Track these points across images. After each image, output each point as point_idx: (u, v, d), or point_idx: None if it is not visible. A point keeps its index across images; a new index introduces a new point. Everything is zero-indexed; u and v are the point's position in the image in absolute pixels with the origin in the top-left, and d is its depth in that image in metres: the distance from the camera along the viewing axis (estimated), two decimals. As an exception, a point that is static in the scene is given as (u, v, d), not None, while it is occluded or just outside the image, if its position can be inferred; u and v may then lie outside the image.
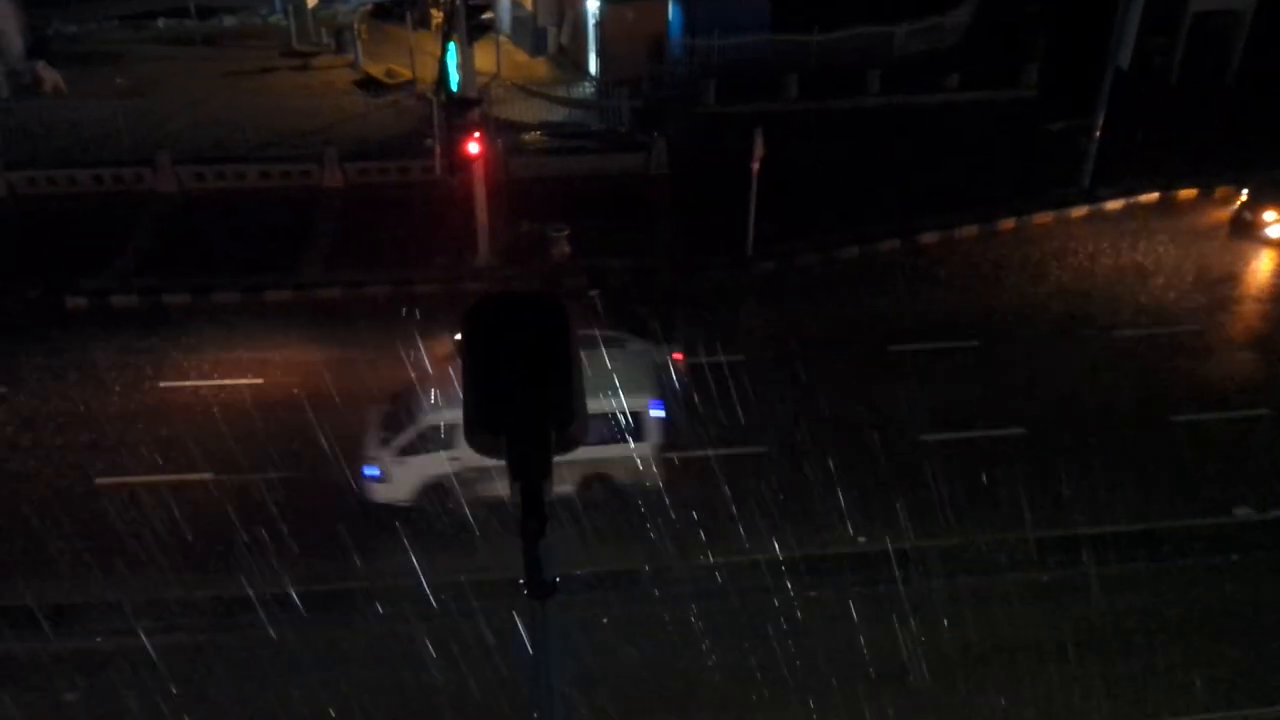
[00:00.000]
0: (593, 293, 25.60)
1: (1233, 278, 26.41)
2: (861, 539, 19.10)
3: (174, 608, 17.81)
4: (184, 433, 21.09)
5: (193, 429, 21.18)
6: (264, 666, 16.87)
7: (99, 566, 18.28)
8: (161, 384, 22.60)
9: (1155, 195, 29.47)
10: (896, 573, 18.22)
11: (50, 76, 34.28)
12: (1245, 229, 27.83)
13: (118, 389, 22.43)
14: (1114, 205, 29.18)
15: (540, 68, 36.49)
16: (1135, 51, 27.74)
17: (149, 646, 16.77)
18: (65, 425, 21.52)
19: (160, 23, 39.88)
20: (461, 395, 3.65)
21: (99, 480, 20.18)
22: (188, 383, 22.62)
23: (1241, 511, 19.85)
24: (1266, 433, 21.53)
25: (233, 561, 18.18)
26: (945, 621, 17.47)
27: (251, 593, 17.57)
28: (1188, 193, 29.62)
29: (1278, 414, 21.95)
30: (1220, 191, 29.35)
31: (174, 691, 16.34)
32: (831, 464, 20.31)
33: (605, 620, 17.36)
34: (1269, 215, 27.43)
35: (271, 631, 17.12)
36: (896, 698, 16.34)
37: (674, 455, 20.01)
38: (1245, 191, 28.27)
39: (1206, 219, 28.77)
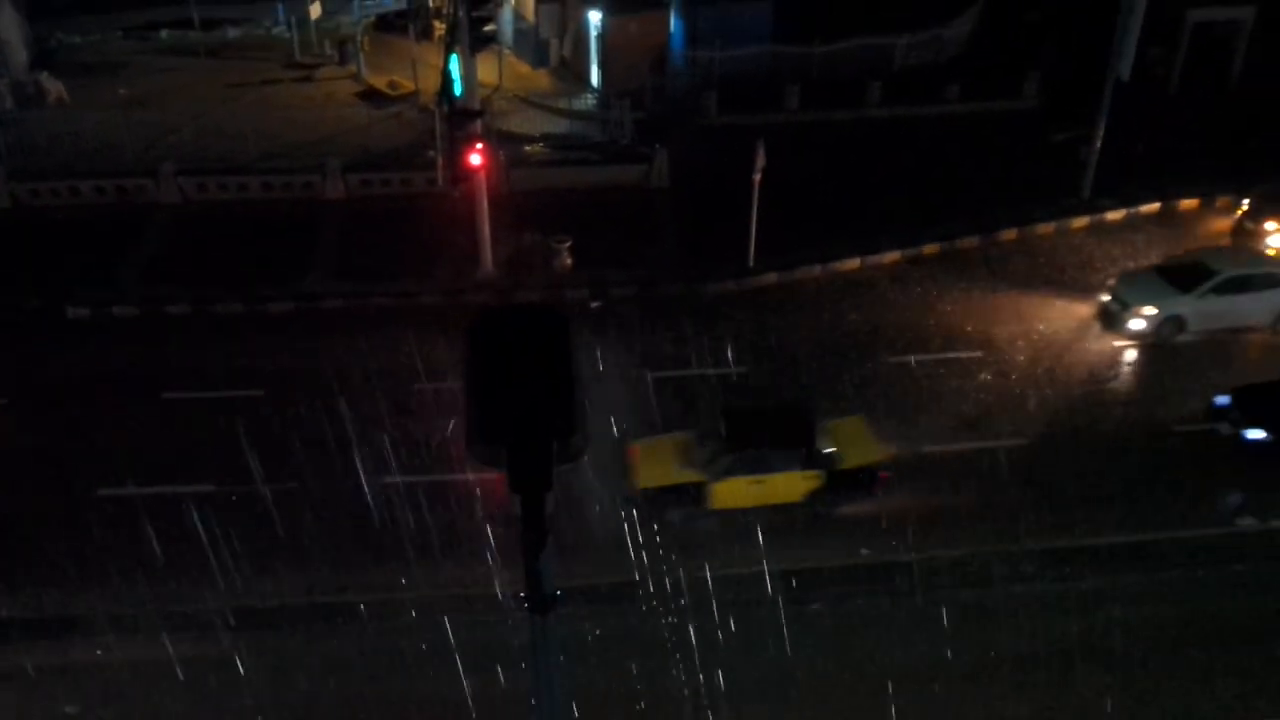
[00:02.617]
0: (595, 304, 25.64)
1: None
2: (864, 551, 19.10)
3: (176, 618, 17.79)
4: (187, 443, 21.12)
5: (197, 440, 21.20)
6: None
7: (100, 577, 18.28)
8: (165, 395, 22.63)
9: (1156, 205, 29.47)
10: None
11: (54, 87, 34.32)
12: (1247, 239, 27.82)
13: (120, 399, 22.44)
14: (1115, 215, 29.17)
15: (542, 79, 36.55)
16: (1136, 62, 27.75)
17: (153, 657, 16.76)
18: (68, 435, 21.54)
19: (164, 34, 39.94)
20: (463, 406, 3.67)
21: (101, 491, 20.19)
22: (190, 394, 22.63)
23: (1245, 522, 19.82)
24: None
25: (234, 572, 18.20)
26: (943, 630, 17.47)
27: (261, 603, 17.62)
28: (1189, 203, 29.62)
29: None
30: (1221, 201, 29.34)
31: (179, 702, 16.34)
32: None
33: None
34: (1270, 225, 27.42)
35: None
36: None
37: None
38: (1246, 201, 28.29)
39: (1208, 229, 28.75)
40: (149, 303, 25.68)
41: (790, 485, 19.53)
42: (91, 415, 21.95)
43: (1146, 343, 24.38)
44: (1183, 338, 24.38)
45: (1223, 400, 21.87)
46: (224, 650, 17.24)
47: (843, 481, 19.58)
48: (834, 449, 19.77)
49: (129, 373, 23.27)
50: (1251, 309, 24.51)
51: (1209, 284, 24.22)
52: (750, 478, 19.33)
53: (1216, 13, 34.40)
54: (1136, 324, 24.36)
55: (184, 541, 18.79)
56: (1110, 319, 24.85)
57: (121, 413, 21.98)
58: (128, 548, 18.77)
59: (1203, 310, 24.25)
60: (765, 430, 19.87)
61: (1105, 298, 25.25)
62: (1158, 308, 24.27)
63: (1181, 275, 24.69)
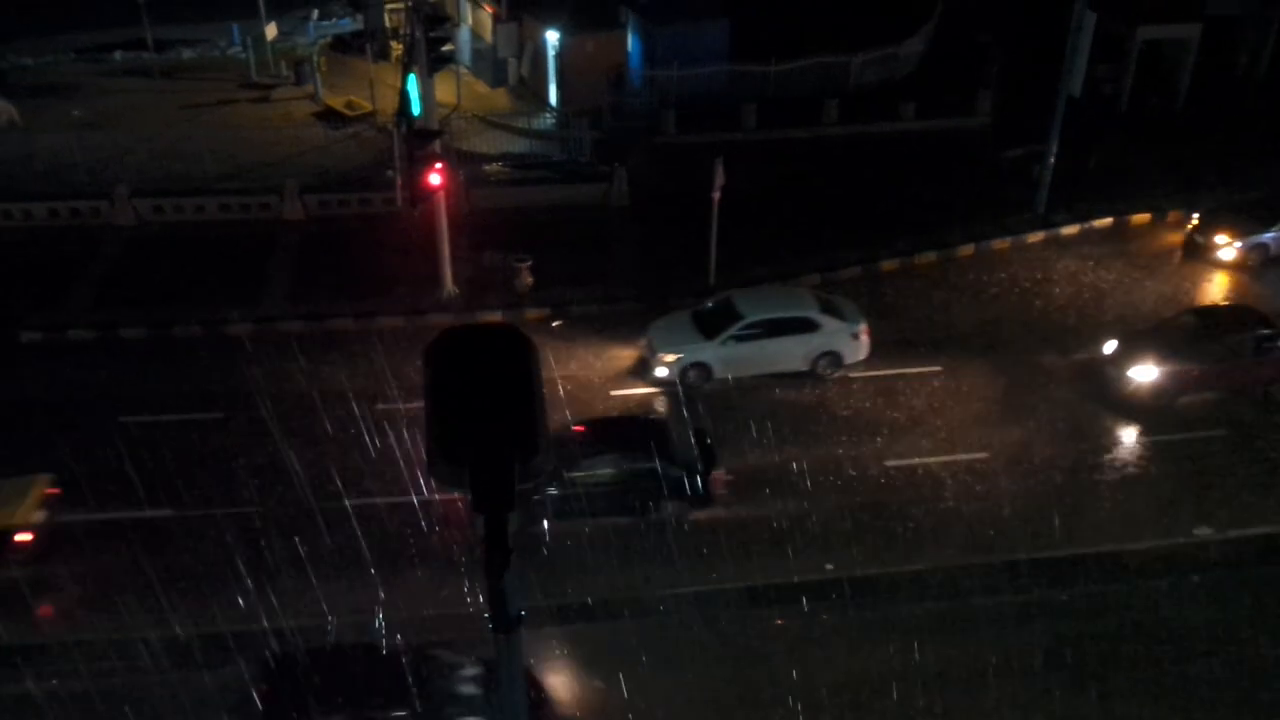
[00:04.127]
0: (556, 323, 25.64)
1: (1188, 300, 26.78)
2: (829, 566, 19.18)
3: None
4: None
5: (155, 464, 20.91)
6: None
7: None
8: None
9: (1109, 220, 29.91)
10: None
11: (4, 109, 33.94)
12: (1197, 252, 28.30)
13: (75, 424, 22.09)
14: (1069, 230, 29.57)
15: (501, 99, 36.60)
16: (1086, 79, 28.22)
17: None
18: (22, 460, 21.17)
19: (117, 55, 39.65)
20: (424, 427, 3.66)
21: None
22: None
23: (1201, 531, 20.08)
24: (1223, 452, 21.83)
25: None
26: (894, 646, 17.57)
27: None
28: (1140, 217, 30.07)
29: (1234, 433, 22.27)
30: (1172, 216, 29.82)
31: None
32: (791, 490, 20.41)
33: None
34: (1220, 238, 27.93)
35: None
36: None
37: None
38: (1196, 216, 28.77)
39: (1160, 243, 29.21)
40: (104, 326, 25.35)
41: None
42: (47, 440, 21.58)
43: (674, 389, 23.01)
44: (712, 385, 23.07)
45: None
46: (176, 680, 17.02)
47: None
48: None
49: (85, 397, 22.93)
50: (782, 353, 23.20)
51: (731, 330, 23.00)
52: None
53: (1164, 31, 35.10)
54: (661, 370, 23.10)
55: (138, 567, 18.52)
56: (646, 364, 23.72)
57: (78, 437, 21.62)
58: (83, 575, 18.50)
59: (727, 356, 22.98)
60: None
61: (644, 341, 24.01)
62: (680, 354, 23.00)
63: (710, 319, 23.50)
